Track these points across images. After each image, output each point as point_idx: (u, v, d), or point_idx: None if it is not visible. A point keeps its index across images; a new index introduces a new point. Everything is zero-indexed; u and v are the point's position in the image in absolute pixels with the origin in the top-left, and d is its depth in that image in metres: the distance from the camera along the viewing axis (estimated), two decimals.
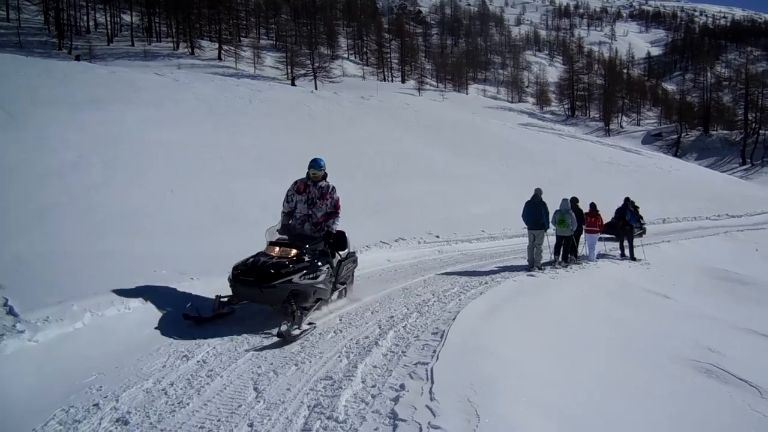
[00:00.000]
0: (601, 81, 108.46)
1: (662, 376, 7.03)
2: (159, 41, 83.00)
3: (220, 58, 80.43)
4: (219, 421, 4.39)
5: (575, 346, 7.37)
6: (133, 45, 77.76)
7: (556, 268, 12.75)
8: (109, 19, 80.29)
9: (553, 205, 12.92)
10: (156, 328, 6.49)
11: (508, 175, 26.05)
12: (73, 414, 4.43)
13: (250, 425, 4.33)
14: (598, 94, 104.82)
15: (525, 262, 12.56)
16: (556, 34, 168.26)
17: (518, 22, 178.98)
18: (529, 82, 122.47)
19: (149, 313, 6.86)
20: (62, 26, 72.74)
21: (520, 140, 39.10)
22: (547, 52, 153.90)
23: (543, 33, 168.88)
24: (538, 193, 12.58)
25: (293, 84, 53.54)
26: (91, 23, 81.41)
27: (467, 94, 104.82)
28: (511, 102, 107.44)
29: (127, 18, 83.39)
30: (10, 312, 5.82)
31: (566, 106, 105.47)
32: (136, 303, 6.91)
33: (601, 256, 14.96)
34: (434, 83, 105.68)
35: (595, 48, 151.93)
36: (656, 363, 7.46)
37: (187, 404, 4.65)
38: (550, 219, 12.75)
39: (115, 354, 5.65)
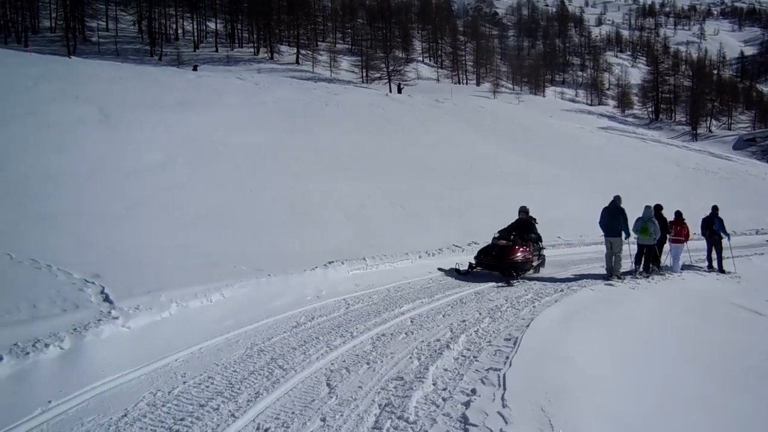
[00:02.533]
0: (689, 83, 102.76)
1: (753, 398, 6.57)
2: (241, 47, 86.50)
3: (297, 63, 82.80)
4: (293, 413, 4.51)
5: (656, 361, 7.01)
6: (217, 51, 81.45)
7: (637, 278, 12.18)
8: (195, 26, 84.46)
9: (635, 213, 12.37)
10: (235, 321, 6.75)
11: (587, 180, 25.18)
12: (159, 397, 4.69)
13: (323, 420, 4.42)
14: (685, 97, 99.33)
15: (603, 271, 12.10)
16: (640, 34, 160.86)
17: (599, 22, 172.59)
18: (610, 84, 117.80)
19: (229, 306, 7.17)
20: (154, 34, 77.27)
21: (600, 144, 37.75)
22: (629, 52, 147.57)
23: (625, 33, 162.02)
24: (616, 200, 12.07)
25: (399, 91, 53.99)
26: (180, 31, 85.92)
27: (544, 96, 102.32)
28: (591, 105, 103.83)
29: (212, 25, 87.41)
30: (106, 299, 6.27)
31: (650, 109, 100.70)
32: (217, 296, 7.24)
33: (686, 267, 14.15)
34: (510, 86, 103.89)
35: (682, 48, 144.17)
36: (745, 383, 6.98)
37: (263, 394, 4.80)
38: (632, 227, 12.20)
39: (197, 343, 5.93)
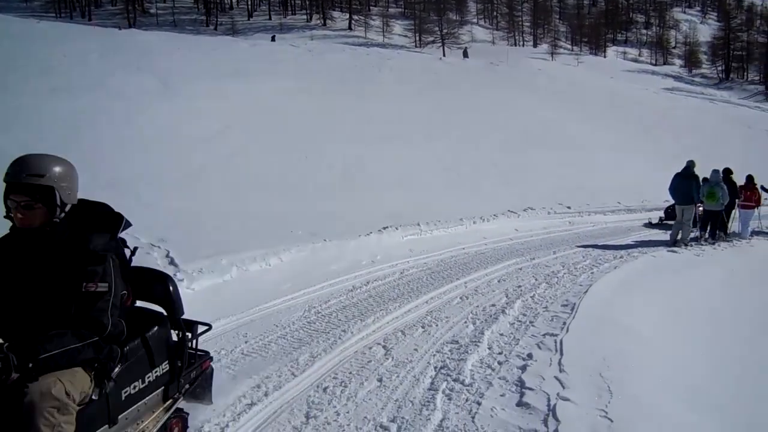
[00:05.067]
0: (764, 38, 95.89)
1: None
2: (293, 14, 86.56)
3: (350, 28, 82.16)
4: (350, 373, 4.62)
5: (720, 330, 6.76)
6: (270, 19, 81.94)
7: (702, 245, 11.72)
8: None
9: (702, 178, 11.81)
10: (293, 285, 6.93)
11: (649, 144, 24.20)
12: (223, 355, 4.91)
13: (380, 380, 4.51)
14: (759, 54, 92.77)
15: (666, 237, 11.68)
16: None
17: None
18: (677, 43, 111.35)
19: (287, 270, 7.38)
20: (209, 4, 78.38)
21: (664, 107, 36.05)
22: (698, 8, 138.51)
23: None
24: (690, 165, 11.51)
25: (466, 56, 53.15)
26: (234, 0, 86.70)
27: (605, 57, 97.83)
28: (655, 65, 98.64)
29: None
30: (172, 263, 6.59)
31: (719, 68, 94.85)
32: (275, 260, 7.46)
33: (755, 233, 13.51)
34: (569, 46, 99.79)
35: (758, 1, 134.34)
36: None
37: (321, 354, 4.94)
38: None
39: (258, 305, 6.14)
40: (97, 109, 15.25)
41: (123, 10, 72.39)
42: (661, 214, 13.85)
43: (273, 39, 52.52)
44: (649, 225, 13.57)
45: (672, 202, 13.54)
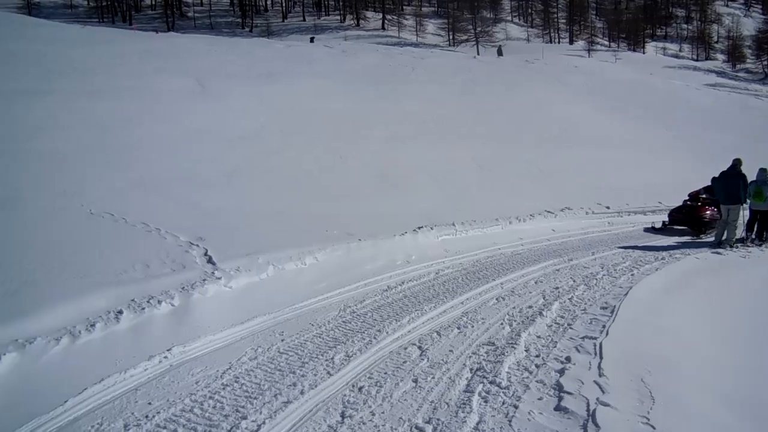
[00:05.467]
0: None
1: None
2: (327, 15, 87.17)
3: (383, 28, 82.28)
4: (386, 374, 4.62)
5: (766, 335, 6.52)
6: (304, 20, 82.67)
7: (749, 246, 11.30)
8: None
9: (749, 177, 11.39)
10: (328, 284, 6.97)
11: (691, 141, 23.49)
12: (260, 352, 4.96)
13: (415, 381, 4.49)
14: None
15: (711, 238, 11.32)
16: None
17: None
18: (719, 37, 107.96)
19: (322, 269, 7.42)
20: (244, 7, 79.68)
21: (706, 103, 34.98)
22: (742, 1, 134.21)
23: None
24: (736, 163, 11.11)
25: (500, 54, 52.78)
26: (269, 2, 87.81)
27: (644, 53, 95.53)
28: (696, 60, 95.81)
29: None
30: (210, 261, 6.69)
31: (765, 63, 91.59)
32: (311, 260, 7.51)
33: None
34: (606, 43, 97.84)
35: None
36: None
37: (357, 354, 4.95)
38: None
39: (293, 304, 6.19)
40: (137, 109, 15.64)
41: (162, 14, 74.27)
42: (665, 218, 13.00)
43: (312, 40, 53.15)
44: (652, 230, 12.53)
45: (676, 204, 13.16)
